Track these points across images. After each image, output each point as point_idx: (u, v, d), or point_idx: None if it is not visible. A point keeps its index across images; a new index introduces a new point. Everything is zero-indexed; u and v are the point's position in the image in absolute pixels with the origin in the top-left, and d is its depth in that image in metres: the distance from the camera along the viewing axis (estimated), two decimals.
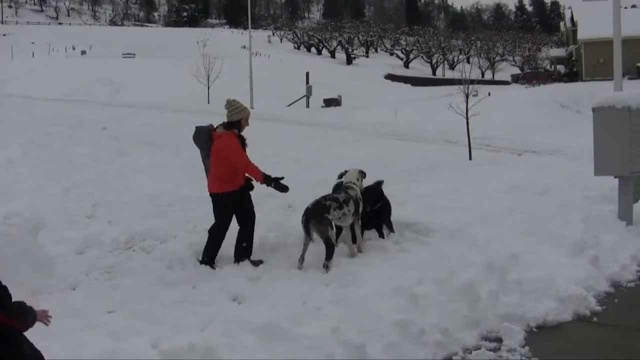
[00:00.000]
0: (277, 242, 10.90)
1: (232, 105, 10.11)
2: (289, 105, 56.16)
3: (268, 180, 10.03)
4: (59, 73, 66.21)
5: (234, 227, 10.34)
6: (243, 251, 10.04)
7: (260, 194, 14.90)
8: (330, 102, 57.46)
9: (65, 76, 63.59)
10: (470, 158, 24.09)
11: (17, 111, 37.29)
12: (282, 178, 10.16)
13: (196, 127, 10.45)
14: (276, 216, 12.80)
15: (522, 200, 13.74)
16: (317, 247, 9.95)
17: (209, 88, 54.04)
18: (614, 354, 6.79)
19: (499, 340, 7.02)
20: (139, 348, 6.24)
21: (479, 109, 25.83)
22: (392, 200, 11.43)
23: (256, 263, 9.86)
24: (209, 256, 9.98)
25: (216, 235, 10.09)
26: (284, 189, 10.10)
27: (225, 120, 10.09)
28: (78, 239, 11.83)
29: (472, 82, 25.82)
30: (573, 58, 65.23)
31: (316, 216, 9.70)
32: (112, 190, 16.10)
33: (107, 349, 6.38)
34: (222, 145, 9.87)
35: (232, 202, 10.06)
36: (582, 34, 56.58)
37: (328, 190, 11.21)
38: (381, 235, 10.80)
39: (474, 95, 47.74)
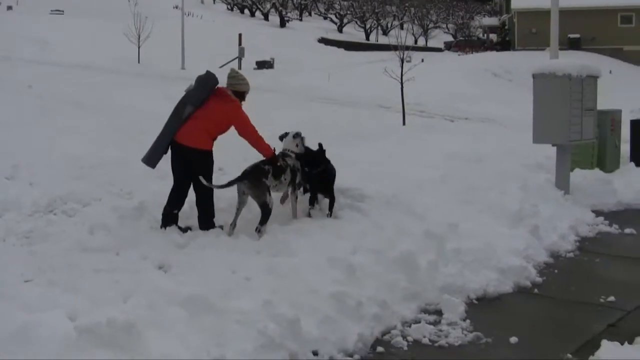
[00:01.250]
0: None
1: (238, 75, 9.59)
2: (220, 67, 55.18)
3: (275, 157, 9.53)
4: None
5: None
6: (173, 217, 9.54)
7: None
8: (263, 65, 56.83)
9: None
10: (404, 124, 23.89)
11: None
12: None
13: (207, 71, 9.55)
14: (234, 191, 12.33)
15: (458, 167, 13.51)
16: (247, 214, 9.51)
17: (139, 48, 52.79)
18: (552, 325, 6.53)
19: (439, 312, 6.70)
20: (55, 322, 5.71)
21: (413, 75, 25.65)
22: None
23: (184, 229, 9.36)
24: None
25: (207, 197, 9.46)
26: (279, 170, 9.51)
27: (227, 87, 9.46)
28: None
29: (407, 47, 25.53)
30: (506, 27, 65.50)
31: (254, 180, 9.23)
32: (34, 151, 15.33)
33: (18, 323, 5.86)
34: (235, 112, 9.33)
35: (212, 160, 9.54)
36: (515, 4, 56.66)
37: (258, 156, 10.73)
38: (331, 204, 9.77)
39: (407, 61, 47.82)
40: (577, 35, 54.33)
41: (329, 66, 51.02)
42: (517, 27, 57.22)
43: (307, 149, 10.15)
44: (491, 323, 6.55)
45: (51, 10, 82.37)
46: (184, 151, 9.31)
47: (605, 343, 5.64)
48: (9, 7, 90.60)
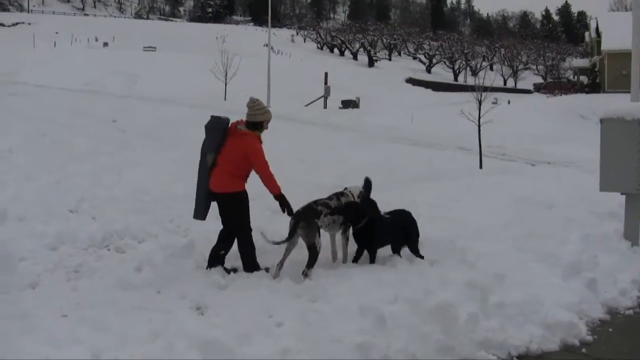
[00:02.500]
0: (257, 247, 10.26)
1: (256, 105, 9.47)
2: (306, 105, 55.59)
3: (282, 196, 9.44)
4: (78, 63, 65.81)
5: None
6: (219, 258, 9.44)
7: (250, 194, 14.39)
8: (348, 104, 56.91)
9: (84, 67, 63.23)
10: (480, 167, 23.41)
11: (27, 100, 36.86)
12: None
13: (212, 117, 9.62)
14: (259, 220, 12.19)
15: (525, 213, 13.04)
16: (295, 256, 9.33)
17: (226, 84, 53.48)
18: None
19: None
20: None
21: (492, 117, 25.17)
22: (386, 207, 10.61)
23: (229, 270, 9.24)
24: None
25: (244, 239, 9.51)
26: (290, 209, 9.42)
27: (245, 119, 9.45)
28: (52, 234, 11.24)
29: (486, 88, 25.09)
30: (596, 69, 64.20)
31: (305, 220, 9.19)
32: (102, 184, 15.51)
33: (38, 357, 5.80)
34: (247, 146, 9.22)
35: (244, 201, 9.56)
36: (605, 45, 55.51)
37: (323, 195, 10.60)
38: (371, 260, 9.48)
39: (493, 103, 47.30)
40: None
41: (415, 106, 50.76)
42: (607, 68, 55.98)
43: (352, 201, 9.91)
44: None
45: (144, 47, 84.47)
46: (217, 198, 9.48)
47: None
48: (105, 44, 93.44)
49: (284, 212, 9.46)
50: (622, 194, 11.20)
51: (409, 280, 8.02)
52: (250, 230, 9.47)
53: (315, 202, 9.61)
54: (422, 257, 9.53)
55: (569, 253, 9.39)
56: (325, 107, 55.94)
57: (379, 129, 35.18)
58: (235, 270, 9.25)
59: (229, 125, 9.45)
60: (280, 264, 9.23)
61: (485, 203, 14.43)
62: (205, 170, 9.46)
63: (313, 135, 29.73)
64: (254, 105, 9.46)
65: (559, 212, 13.74)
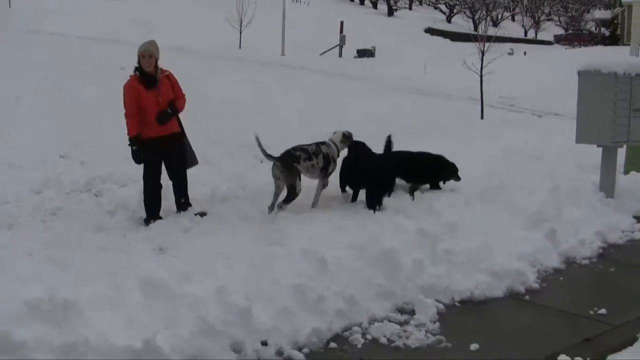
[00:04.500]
0: (229, 193, 10.48)
1: None
2: (321, 54, 55.40)
3: (133, 141, 9.46)
4: (97, 12, 65.67)
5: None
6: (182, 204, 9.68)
7: (235, 143, 14.57)
8: (364, 53, 56.62)
9: (102, 15, 63.06)
10: (482, 117, 23.43)
11: (43, 49, 36.99)
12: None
13: None
14: (243, 167, 12.40)
15: (512, 165, 13.21)
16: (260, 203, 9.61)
17: (240, 33, 53.34)
18: (525, 335, 6.23)
19: (413, 313, 6.51)
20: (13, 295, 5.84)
21: (506, 68, 25.04)
22: None
23: (200, 214, 9.45)
24: (151, 215, 9.51)
25: (144, 190, 9.73)
26: (135, 159, 9.56)
27: None
28: (39, 179, 11.50)
29: (490, 38, 24.92)
30: (616, 21, 63.28)
31: (285, 164, 9.68)
32: (99, 132, 15.71)
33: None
34: None
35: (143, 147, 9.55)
36: None
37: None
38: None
39: (509, 54, 46.82)
40: None
41: (431, 56, 50.36)
42: (627, 21, 55.18)
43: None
44: (461, 327, 6.33)
45: None
46: None
47: (562, 358, 5.40)
48: None
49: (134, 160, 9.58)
50: (597, 146, 11.26)
51: (366, 227, 8.19)
52: (149, 177, 9.59)
53: (294, 148, 10.04)
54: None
55: (534, 204, 9.47)
56: (340, 55, 55.74)
57: (390, 79, 35.10)
58: (204, 214, 9.45)
59: None
60: (272, 206, 9.69)
61: (477, 154, 14.53)
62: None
63: (321, 84, 29.70)
64: None
65: (545, 164, 13.86)
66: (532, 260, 7.98)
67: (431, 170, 11.25)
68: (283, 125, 17.61)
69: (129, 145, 9.42)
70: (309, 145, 10.24)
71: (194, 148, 10.10)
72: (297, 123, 18.39)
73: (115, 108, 9.91)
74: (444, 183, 11.32)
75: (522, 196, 10.09)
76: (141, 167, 9.65)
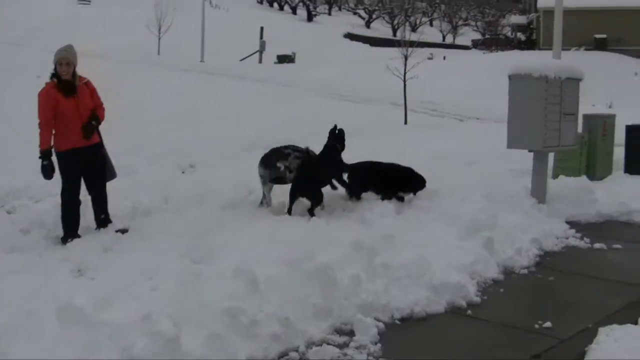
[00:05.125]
0: (151, 206, 9.94)
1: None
2: (241, 60, 54.87)
3: (44, 155, 8.92)
4: (10, 15, 64.04)
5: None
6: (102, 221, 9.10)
7: (157, 152, 14.04)
8: (284, 59, 56.26)
9: (16, 19, 61.52)
10: (405, 122, 23.30)
11: None
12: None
13: None
14: (165, 177, 11.89)
15: (440, 171, 12.92)
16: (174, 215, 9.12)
17: (159, 39, 52.55)
18: (468, 355, 5.90)
19: (352, 333, 6.10)
20: None
21: (427, 73, 24.97)
22: None
23: (121, 231, 8.90)
24: (69, 233, 8.90)
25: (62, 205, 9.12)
26: (44, 174, 9.02)
27: None
28: None
29: (412, 43, 24.83)
30: (532, 26, 64.30)
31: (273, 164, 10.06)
32: (17, 141, 14.99)
33: None
34: None
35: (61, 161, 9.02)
36: (541, 2, 55.31)
37: (239, 150, 10.54)
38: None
39: (428, 59, 47.08)
40: (604, 36, 53.17)
41: (351, 61, 50.28)
42: (543, 26, 56.01)
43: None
44: (404, 348, 5.96)
45: (78, 0, 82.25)
46: None
47: None
48: None
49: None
50: (529, 151, 11.08)
51: (300, 241, 7.75)
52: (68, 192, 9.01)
53: (285, 147, 10.37)
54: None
55: (469, 212, 9.19)
56: (260, 61, 55.31)
57: (311, 84, 34.82)
58: (125, 230, 8.91)
59: None
60: (267, 203, 10.07)
61: (402, 160, 14.25)
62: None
63: (242, 90, 29.23)
64: None
65: (475, 170, 13.67)
66: (471, 272, 7.65)
67: (400, 183, 10.87)
68: (206, 131, 17.17)
69: (40, 158, 8.78)
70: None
71: (112, 159, 9.54)
72: (221, 128, 17.93)
73: (32, 117, 9.27)
74: (414, 195, 10.95)
75: (455, 204, 9.82)
76: (58, 180, 9.05)
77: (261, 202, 10.04)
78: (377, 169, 10.90)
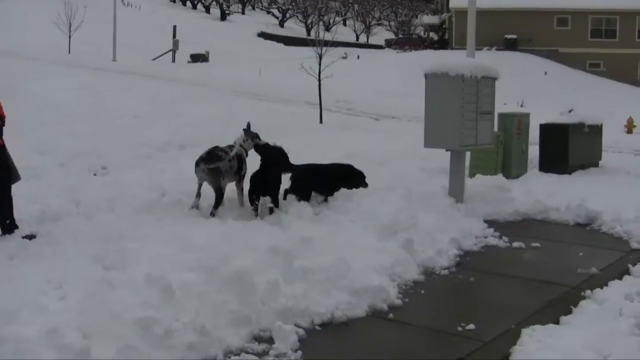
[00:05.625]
0: (61, 210, 9.49)
1: None
2: (154, 59, 54.07)
3: None
4: None
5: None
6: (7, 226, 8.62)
7: (67, 152, 13.55)
8: (197, 58, 55.78)
9: None
10: (320, 122, 23.18)
11: None
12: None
13: None
14: (76, 179, 11.44)
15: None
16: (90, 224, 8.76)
17: (70, 37, 51.31)
18: (395, 359, 5.74)
19: (271, 341, 5.87)
20: None
21: (341, 72, 24.92)
22: None
23: (28, 237, 8.45)
24: None
25: None
26: None
27: None
28: None
29: (327, 43, 24.73)
30: (445, 26, 65.10)
31: (208, 164, 9.67)
32: None
33: None
34: None
35: None
36: (453, 3, 56.06)
37: (152, 151, 10.22)
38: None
39: (342, 58, 47.18)
40: (514, 36, 54.27)
41: (266, 60, 50.06)
42: (455, 26, 56.81)
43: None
44: (325, 354, 5.77)
45: None
46: None
47: None
48: None
49: None
50: (446, 150, 11.04)
51: (215, 245, 7.47)
52: None
53: (217, 148, 10.11)
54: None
55: (387, 213, 9.07)
56: (173, 61, 54.64)
57: (225, 83, 34.43)
58: (33, 236, 8.48)
59: None
60: (196, 206, 9.93)
61: (319, 159, 14.09)
62: None
63: (154, 89, 28.66)
64: None
65: (389, 169, 13.60)
66: (391, 274, 7.52)
67: (342, 180, 10.77)
68: (118, 131, 16.70)
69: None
70: (223, 147, 10.22)
71: (17, 160, 9.04)
72: (133, 128, 17.47)
73: None
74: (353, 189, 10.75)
75: (374, 204, 9.68)
76: None
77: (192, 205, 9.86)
78: (319, 168, 10.87)
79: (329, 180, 10.65)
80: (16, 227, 8.61)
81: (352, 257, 7.32)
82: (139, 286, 6.03)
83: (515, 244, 9.40)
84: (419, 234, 8.62)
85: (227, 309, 5.97)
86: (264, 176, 9.73)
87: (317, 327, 6.30)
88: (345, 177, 10.88)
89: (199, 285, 6.17)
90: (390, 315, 6.68)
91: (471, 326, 6.34)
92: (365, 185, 10.92)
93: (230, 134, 17.32)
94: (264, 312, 6.18)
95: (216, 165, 9.64)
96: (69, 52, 49.31)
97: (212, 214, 9.51)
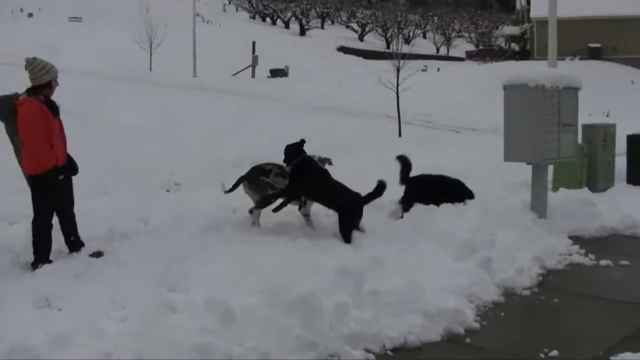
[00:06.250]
0: (129, 229, 9.34)
1: (35, 66, 8.12)
2: (234, 75, 54.51)
3: (60, 170, 8.29)
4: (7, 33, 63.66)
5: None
6: (73, 244, 8.48)
7: (138, 170, 13.49)
8: (277, 73, 55.92)
9: (5, 38, 61.02)
10: (399, 135, 22.80)
11: None
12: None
13: None
14: (146, 198, 11.32)
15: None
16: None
17: (151, 55, 52.18)
18: None
19: None
20: None
21: (421, 85, 24.53)
22: None
23: (95, 255, 8.31)
24: (40, 258, 8.21)
25: (37, 230, 8.30)
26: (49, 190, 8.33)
27: (30, 85, 8.20)
28: None
29: (405, 55, 24.38)
30: (526, 36, 63.98)
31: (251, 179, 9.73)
32: None
33: None
34: (22, 117, 8.01)
35: (50, 184, 8.22)
36: (534, 13, 55.07)
37: (225, 167, 10.14)
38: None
39: (422, 71, 46.74)
40: (598, 45, 52.87)
41: (345, 74, 49.90)
42: (537, 36, 55.70)
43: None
44: None
45: (70, 18, 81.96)
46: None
47: None
48: (30, 15, 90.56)
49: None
50: (527, 164, 10.56)
51: (281, 265, 7.19)
52: (43, 214, 8.32)
53: (267, 163, 10.13)
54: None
55: (465, 230, 8.65)
56: (253, 76, 54.93)
57: (305, 98, 34.35)
58: (100, 254, 8.33)
59: (13, 100, 8.21)
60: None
61: (393, 173, 13.76)
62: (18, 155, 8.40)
63: (232, 105, 28.74)
64: (33, 66, 8.15)
65: (468, 183, 13.10)
66: (468, 295, 7.10)
67: (449, 195, 10.67)
68: (193, 147, 16.69)
69: (48, 179, 8.15)
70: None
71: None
72: (208, 144, 17.42)
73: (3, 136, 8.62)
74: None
75: (450, 221, 9.26)
76: (29, 202, 8.44)
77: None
78: (430, 180, 10.96)
79: (438, 194, 10.54)
80: (82, 244, 8.48)
81: (426, 278, 6.95)
82: (198, 310, 5.77)
83: (603, 262, 8.84)
84: (499, 252, 8.16)
85: (292, 334, 5.65)
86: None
87: (388, 352, 5.95)
88: (455, 192, 10.81)
89: (263, 309, 5.88)
90: (467, 339, 6.28)
91: (554, 352, 5.89)
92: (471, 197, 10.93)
93: (308, 150, 17.17)
94: (332, 337, 5.83)
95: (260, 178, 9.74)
96: (150, 70, 50.09)
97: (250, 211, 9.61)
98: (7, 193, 11.41)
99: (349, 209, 9.09)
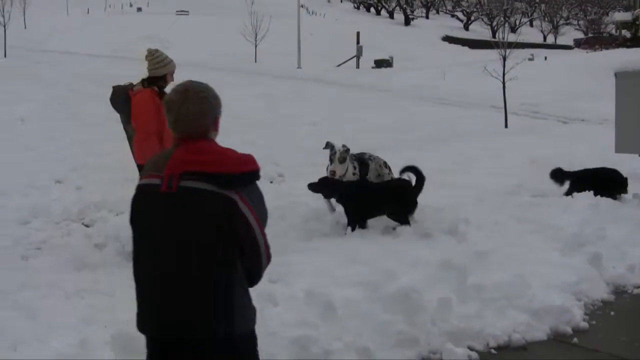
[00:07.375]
0: None
1: (154, 57, 8.23)
2: (338, 66, 54.52)
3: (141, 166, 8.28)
4: (110, 29, 65.38)
5: None
6: None
7: None
8: (381, 63, 55.56)
9: (115, 33, 62.69)
10: (506, 126, 22.38)
11: (51, 67, 36.47)
12: None
13: (113, 87, 8.61)
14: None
15: (538, 177, 12.04)
16: None
17: (256, 46, 52.65)
18: None
19: None
20: None
21: (528, 74, 23.94)
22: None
23: None
24: None
25: None
26: None
27: (147, 74, 8.34)
28: (26, 207, 10.55)
29: (511, 44, 23.88)
30: (638, 22, 61.80)
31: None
32: (97, 153, 14.78)
33: None
34: (136, 106, 8.15)
35: None
36: None
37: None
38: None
39: (529, 60, 45.75)
40: None
41: (450, 64, 49.30)
42: None
43: None
44: None
45: (177, 11, 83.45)
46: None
47: None
48: (139, 9, 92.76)
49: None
50: (639, 155, 10.16)
51: (380, 259, 7.07)
52: None
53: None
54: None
55: (572, 223, 8.36)
56: (357, 66, 54.79)
57: (408, 89, 34.15)
58: None
59: (129, 90, 8.34)
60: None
61: (499, 165, 13.50)
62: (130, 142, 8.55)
63: (337, 96, 28.78)
64: (153, 57, 8.26)
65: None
66: (576, 292, 6.85)
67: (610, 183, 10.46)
68: (296, 138, 16.75)
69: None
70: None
71: None
72: (311, 135, 17.45)
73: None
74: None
75: (557, 214, 8.97)
76: None
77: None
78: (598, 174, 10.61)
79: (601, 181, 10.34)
80: None
81: (531, 273, 6.74)
82: (299, 303, 5.72)
83: None
84: (608, 247, 7.85)
85: (392, 329, 5.54)
86: None
87: (492, 351, 5.78)
88: (612, 180, 10.48)
89: (363, 303, 5.79)
90: (575, 339, 6.04)
91: None
92: (625, 192, 10.53)
93: (410, 140, 17.02)
94: (434, 333, 5.70)
95: None
96: (255, 61, 50.58)
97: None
98: (116, 183, 11.67)
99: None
